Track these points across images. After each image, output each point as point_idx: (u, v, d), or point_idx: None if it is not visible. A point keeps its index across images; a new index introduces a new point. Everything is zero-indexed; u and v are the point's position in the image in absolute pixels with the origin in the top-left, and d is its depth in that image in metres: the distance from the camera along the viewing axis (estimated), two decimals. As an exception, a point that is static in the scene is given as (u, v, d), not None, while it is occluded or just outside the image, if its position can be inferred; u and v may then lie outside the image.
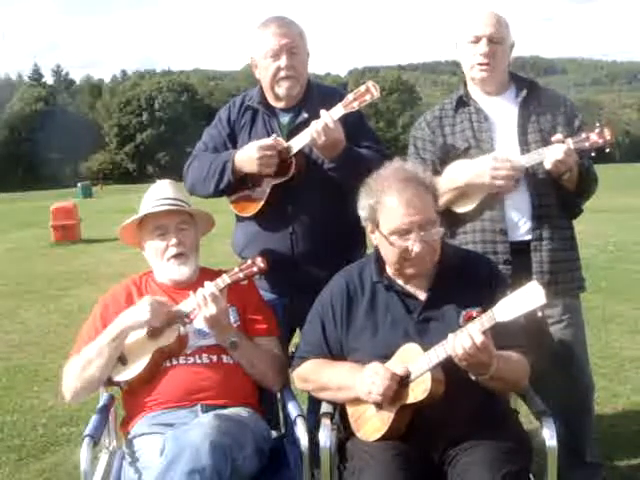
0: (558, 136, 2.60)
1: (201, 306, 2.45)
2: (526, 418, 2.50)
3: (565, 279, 2.77)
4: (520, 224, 2.72)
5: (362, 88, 2.67)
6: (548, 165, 2.58)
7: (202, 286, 2.52)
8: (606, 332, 5.79)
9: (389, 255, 2.29)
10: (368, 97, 2.64)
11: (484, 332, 2.01)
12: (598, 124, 2.58)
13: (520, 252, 2.71)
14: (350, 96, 2.67)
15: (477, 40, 2.73)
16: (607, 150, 2.56)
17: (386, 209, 2.24)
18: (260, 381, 2.58)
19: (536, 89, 2.84)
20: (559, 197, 2.72)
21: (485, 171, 2.61)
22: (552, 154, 2.55)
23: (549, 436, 2.18)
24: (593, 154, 2.61)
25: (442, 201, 2.57)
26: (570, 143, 2.55)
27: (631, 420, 3.97)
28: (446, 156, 2.79)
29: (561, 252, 2.75)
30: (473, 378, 2.10)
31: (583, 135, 2.56)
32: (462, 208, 2.74)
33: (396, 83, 78.53)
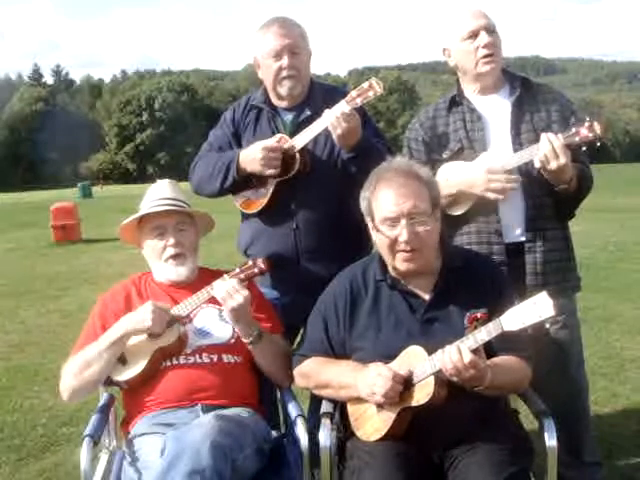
0: (548, 134, 2.54)
1: (226, 299, 2.44)
2: (526, 418, 2.49)
3: (559, 279, 2.74)
4: (515, 225, 2.71)
5: (365, 85, 2.66)
6: (537, 163, 2.54)
7: (201, 286, 2.53)
8: (606, 332, 5.79)
9: (381, 246, 2.30)
10: (371, 93, 2.64)
11: (475, 350, 2.00)
12: (588, 118, 2.53)
13: (515, 253, 2.70)
14: (353, 92, 2.67)
15: (474, 34, 2.69)
16: (598, 144, 2.51)
17: (378, 199, 2.28)
18: (274, 375, 2.58)
19: (530, 86, 2.80)
20: (554, 201, 2.69)
21: (478, 182, 2.60)
22: (541, 149, 2.51)
23: (549, 436, 2.18)
24: (584, 148, 2.56)
25: None
26: (560, 138, 2.50)
27: (631, 420, 3.96)
28: (440, 157, 2.78)
29: (555, 252, 2.73)
30: (468, 389, 2.08)
31: (573, 130, 2.51)
32: (455, 211, 2.73)
33: (396, 83, 78.58)
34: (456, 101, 2.82)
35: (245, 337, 2.51)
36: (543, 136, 2.52)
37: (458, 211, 2.72)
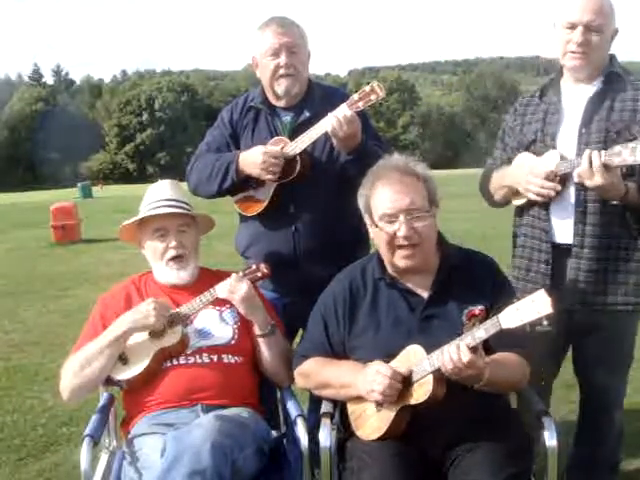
0: (588, 152, 2.40)
1: (232, 293, 2.49)
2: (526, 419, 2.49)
3: (606, 292, 2.60)
4: (563, 227, 2.62)
5: (367, 88, 2.65)
6: (575, 177, 2.45)
7: (202, 287, 2.54)
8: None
9: (380, 243, 2.31)
10: (373, 97, 2.63)
11: (473, 348, 2.00)
12: (634, 140, 2.35)
13: (563, 254, 2.62)
14: (355, 96, 2.66)
15: (572, 27, 2.52)
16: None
17: (376, 196, 2.30)
18: (275, 375, 2.59)
19: (620, 82, 2.60)
20: (622, 209, 2.54)
21: (520, 180, 2.60)
22: (580, 166, 2.40)
23: (549, 436, 2.18)
24: (624, 170, 2.41)
25: (500, 195, 2.75)
26: (602, 156, 2.35)
27: (631, 420, 3.95)
28: (519, 145, 2.73)
29: (606, 262, 2.58)
30: (468, 386, 2.09)
31: (616, 149, 2.35)
32: (517, 201, 2.74)
33: (396, 83, 78.49)
34: (545, 90, 2.74)
35: (262, 328, 2.54)
36: (585, 153, 2.40)
37: (520, 201, 2.71)
